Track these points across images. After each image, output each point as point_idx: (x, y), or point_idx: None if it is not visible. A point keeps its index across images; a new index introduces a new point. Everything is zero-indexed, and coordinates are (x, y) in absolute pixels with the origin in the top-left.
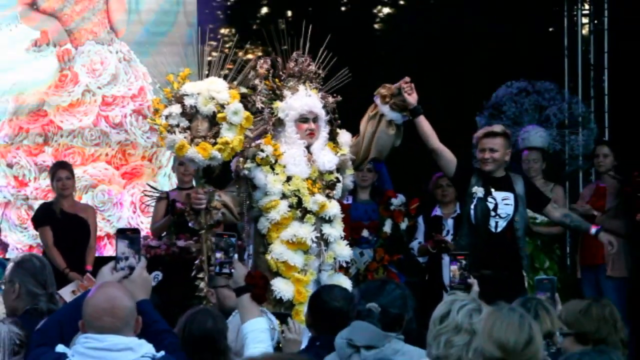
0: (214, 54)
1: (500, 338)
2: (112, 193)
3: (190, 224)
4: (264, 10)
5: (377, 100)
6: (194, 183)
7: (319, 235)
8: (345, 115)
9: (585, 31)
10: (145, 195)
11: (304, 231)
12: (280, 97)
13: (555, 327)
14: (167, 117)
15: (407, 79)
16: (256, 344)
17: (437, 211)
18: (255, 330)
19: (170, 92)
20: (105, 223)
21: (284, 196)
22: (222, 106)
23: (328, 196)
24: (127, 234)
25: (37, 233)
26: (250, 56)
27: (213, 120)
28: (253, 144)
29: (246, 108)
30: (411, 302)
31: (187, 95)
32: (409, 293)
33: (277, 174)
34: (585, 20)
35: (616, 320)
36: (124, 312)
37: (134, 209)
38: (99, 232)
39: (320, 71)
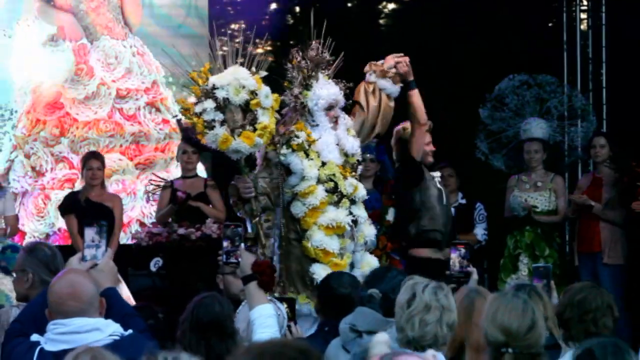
0: (224, 48)
1: (503, 323)
2: (126, 183)
3: (238, 214)
4: (273, 5)
5: (372, 77)
6: (197, 172)
7: (353, 218)
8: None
9: (583, 26)
10: (151, 184)
11: (342, 215)
12: (309, 87)
13: (549, 313)
14: (201, 114)
15: (400, 54)
16: (263, 329)
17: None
18: (263, 316)
19: (198, 89)
20: None
21: (319, 181)
22: (253, 92)
23: (356, 179)
24: (95, 224)
25: (53, 222)
26: (259, 50)
27: (245, 108)
28: (283, 131)
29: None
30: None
31: (217, 88)
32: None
33: (311, 159)
34: (583, 15)
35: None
36: (87, 294)
37: (147, 199)
38: None
39: (332, 59)
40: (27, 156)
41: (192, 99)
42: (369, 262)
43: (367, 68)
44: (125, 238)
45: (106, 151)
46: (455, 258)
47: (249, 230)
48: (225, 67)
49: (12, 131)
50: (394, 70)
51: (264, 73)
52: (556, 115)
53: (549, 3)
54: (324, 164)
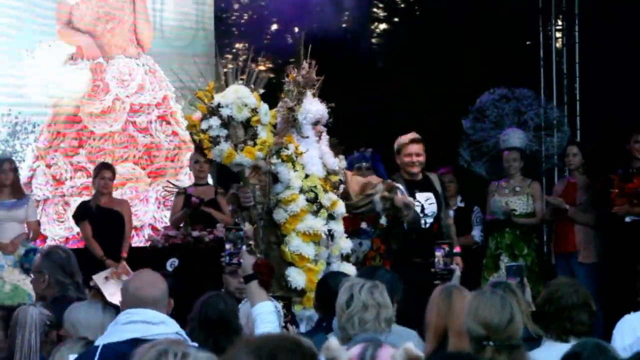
0: (229, 65)
1: (485, 318)
2: (139, 190)
3: (236, 220)
4: (274, 27)
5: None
6: (209, 180)
7: (329, 229)
8: (351, 120)
9: (558, 44)
10: (166, 190)
11: (319, 224)
12: (300, 102)
13: (523, 308)
14: (207, 130)
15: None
16: (265, 324)
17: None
18: (263, 313)
19: (204, 107)
20: (133, 217)
21: (301, 191)
22: (254, 110)
23: (336, 195)
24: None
25: (72, 226)
26: (262, 67)
27: (246, 125)
28: (277, 142)
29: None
30: (400, 286)
31: (222, 106)
32: (397, 278)
33: (296, 170)
34: (558, 35)
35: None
36: (162, 287)
37: (159, 205)
38: None
39: (319, 78)
40: (48, 166)
41: (196, 115)
42: (348, 270)
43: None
44: (138, 241)
45: (121, 161)
46: (439, 256)
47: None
48: (227, 85)
49: (34, 143)
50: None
51: (261, 90)
52: (533, 126)
53: (527, 23)
54: (307, 175)
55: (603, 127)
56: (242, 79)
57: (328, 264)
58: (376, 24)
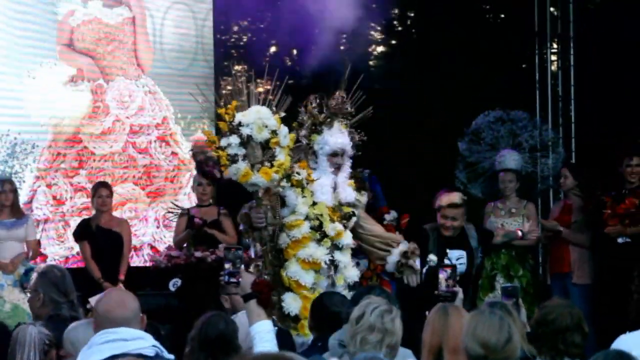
0: (228, 87)
1: (483, 337)
2: (138, 210)
3: (247, 240)
4: (273, 49)
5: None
6: (211, 201)
7: (331, 259)
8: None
9: (554, 67)
10: (169, 212)
11: (320, 253)
12: (319, 132)
13: (518, 328)
14: (225, 148)
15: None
16: (263, 343)
17: None
18: (262, 331)
19: (225, 124)
20: (132, 237)
21: (306, 218)
22: (274, 132)
23: (344, 226)
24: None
25: (72, 246)
26: (260, 89)
27: (265, 145)
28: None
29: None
30: (395, 305)
31: (242, 125)
32: (393, 298)
33: (304, 196)
34: (553, 57)
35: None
36: (133, 305)
37: (158, 224)
38: None
39: (352, 110)
40: (49, 186)
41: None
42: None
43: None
44: (138, 261)
45: (120, 182)
46: (442, 279)
47: (253, 255)
48: (249, 105)
49: (34, 164)
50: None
51: (283, 113)
52: (528, 148)
53: (523, 47)
54: (315, 203)
55: (598, 149)
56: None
57: None
58: (373, 46)
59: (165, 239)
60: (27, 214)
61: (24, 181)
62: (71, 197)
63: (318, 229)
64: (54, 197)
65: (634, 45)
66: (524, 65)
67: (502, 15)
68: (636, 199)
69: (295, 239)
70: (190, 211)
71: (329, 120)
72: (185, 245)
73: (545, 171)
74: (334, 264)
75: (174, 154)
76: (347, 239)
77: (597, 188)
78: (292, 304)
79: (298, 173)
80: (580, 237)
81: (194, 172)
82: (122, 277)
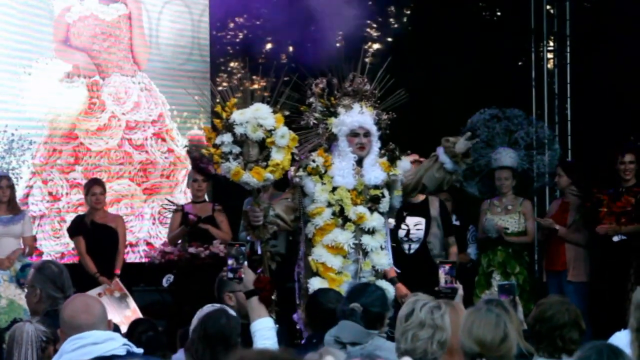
0: (224, 84)
1: (479, 335)
2: (134, 206)
3: (248, 238)
4: (269, 45)
5: (440, 149)
6: (206, 198)
7: (357, 242)
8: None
9: (550, 65)
10: (164, 208)
11: (343, 237)
12: (335, 114)
13: (515, 326)
14: (219, 146)
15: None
16: (264, 340)
17: None
18: (264, 329)
19: (220, 122)
20: (128, 233)
21: (329, 204)
22: (270, 131)
23: (370, 209)
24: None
25: (68, 242)
26: (256, 86)
27: (262, 144)
28: (307, 155)
29: (298, 126)
30: (390, 303)
31: (236, 124)
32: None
33: (324, 183)
34: (550, 55)
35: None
36: (98, 310)
37: (153, 221)
38: None
39: (375, 91)
40: (45, 182)
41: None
42: (383, 287)
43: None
44: (133, 257)
45: (116, 178)
46: (442, 275)
47: (259, 252)
48: (251, 102)
49: (30, 160)
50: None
51: (286, 112)
52: (524, 145)
53: (519, 44)
54: (334, 188)
55: (594, 147)
56: (237, 97)
57: (360, 279)
58: (370, 43)
59: (161, 235)
60: (24, 210)
61: (20, 177)
62: (67, 193)
63: (340, 214)
64: (50, 193)
65: (630, 44)
66: (520, 63)
67: (499, 13)
68: (632, 197)
69: (319, 227)
70: (185, 207)
71: (346, 102)
72: (179, 241)
73: (541, 168)
74: (362, 248)
75: (169, 150)
76: (374, 221)
77: (593, 186)
78: (317, 286)
79: (313, 161)
80: (576, 235)
81: (190, 169)
82: (117, 271)
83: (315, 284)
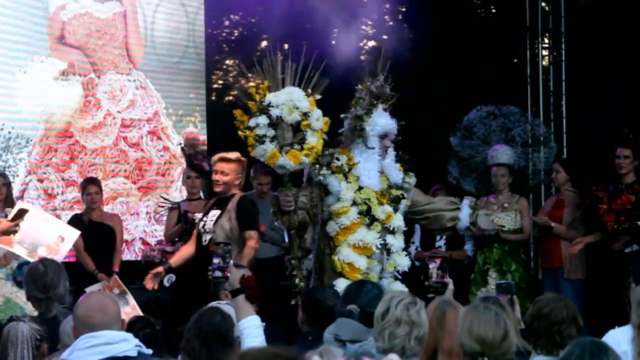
0: (220, 81)
1: (479, 334)
2: (129, 204)
3: (276, 224)
4: (264, 43)
5: (466, 203)
6: (201, 195)
7: (383, 243)
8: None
9: (545, 62)
10: (159, 206)
11: (371, 237)
12: (370, 113)
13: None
14: (254, 128)
15: None
16: (252, 339)
17: None
18: (251, 327)
19: (254, 104)
20: (124, 231)
21: (354, 203)
22: (305, 114)
23: (394, 209)
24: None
25: None
26: (252, 84)
27: (296, 128)
28: (327, 152)
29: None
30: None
31: (272, 106)
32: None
33: (349, 182)
34: (545, 52)
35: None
36: (113, 310)
37: (149, 219)
38: None
39: (393, 93)
40: (40, 180)
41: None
42: (398, 289)
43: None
44: (129, 255)
45: (112, 176)
46: (433, 269)
47: (285, 240)
48: (283, 85)
49: (27, 158)
50: None
51: (318, 96)
52: (520, 143)
53: (515, 41)
54: (360, 187)
55: (589, 144)
56: (232, 95)
57: (380, 279)
58: (365, 41)
59: (157, 233)
60: None
61: (17, 175)
62: (62, 192)
63: (367, 213)
64: (46, 191)
65: (625, 40)
66: (515, 60)
67: (494, 10)
68: (632, 195)
69: (344, 226)
70: (181, 205)
71: (375, 102)
72: (177, 239)
73: (538, 166)
74: (386, 248)
75: (165, 148)
76: (398, 221)
77: (591, 183)
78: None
79: (337, 159)
80: (571, 233)
81: (185, 166)
82: (116, 268)
83: (341, 285)
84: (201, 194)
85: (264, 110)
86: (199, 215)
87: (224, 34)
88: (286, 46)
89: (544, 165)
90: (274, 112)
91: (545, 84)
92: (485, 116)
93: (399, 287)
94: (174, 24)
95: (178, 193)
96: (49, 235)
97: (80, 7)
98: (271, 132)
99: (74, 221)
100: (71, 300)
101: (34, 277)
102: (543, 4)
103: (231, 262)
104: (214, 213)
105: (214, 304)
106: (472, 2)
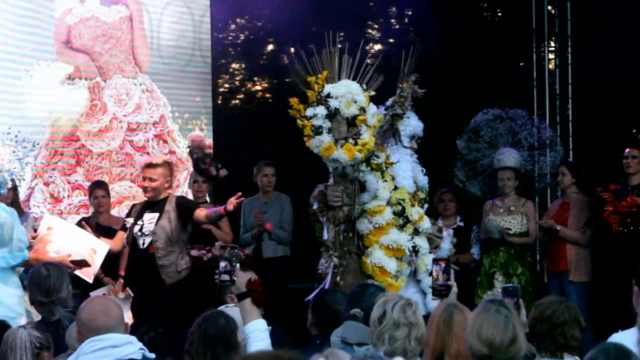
0: (226, 85)
1: (488, 337)
2: None
3: (321, 219)
4: (270, 47)
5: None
6: (207, 199)
7: (414, 245)
8: None
9: (551, 65)
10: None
11: (404, 239)
12: (406, 111)
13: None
14: (311, 118)
15: None
16: (258, 342)
17: (440, 222)
18: (257, 330)
19: (313, 94)
20: None
21: (388, 203)
22: (362, 109)
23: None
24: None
25: None
26: (258, 87)
27: (350, 122)
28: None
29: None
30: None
31: (331, 97)
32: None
33: (385, 181)
34: (551, 56)
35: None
36: (116, 313)
37: None
38: None
39: (421, 94)
40: (46, 184)
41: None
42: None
43: None
44: None
45: (118, 179)
46: (437, 272)
47: (326, 237)
48: (339, 77)
49: (33, 162)
50: None
51: (373, 92)
52: (527, 146)
53: (521, 44)
54: (396, 187)
55: (595, 147)
56: (239, 99)
57: (418, 281)
58: (371, 44)
59: None
60: (27, 212)
61: (23, 179)
62: (68, 195)
63: (400, 214)
64: (52, 195)
65: (632, 44)
66: (521, 64)
67: (500, 14)
68: (638, 198)
69: (378, 225)
70: None
71: (411, 102)
72: None
73: (544, 169)
74: (415, 250)
75: (171, 152)
76: (427, 222)
77: (596, 185)
78: None
79: (377, 156)
80: (576, 236)
81: (192, 170)
82: (122, 272)
83: None
84: (207, 198)
85: (322, 100)
86: (130, 220)
87: (230, 38)
88: (292, 50)
89: (550, 168)
90: (333, 103)
91: (551, 87)
92: (491, 119)
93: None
94: (180, 28)
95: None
96: (82, 247)
97: (86, 11)
98: (327, 124)
99: (81, 224)
100: (75, 304)
101: (37, 280)
102: (549, 7)
103: (238, 265)
104: (152, 216)
105: (220, 307)
106: (478, 5)
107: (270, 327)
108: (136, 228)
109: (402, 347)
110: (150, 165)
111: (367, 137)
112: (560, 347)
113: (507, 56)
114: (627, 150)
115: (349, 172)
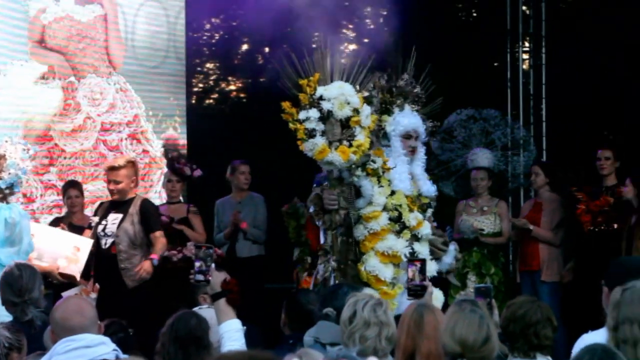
0: (200, 85)
1: (461, 335)
2: None
3: (317, 223)
4: (245, 47)
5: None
6: (180, 199)
7: (411, 251)
8: None
9: (525, 66)
10: None
11: (400, 245)
12: (390, 112)
13: None
14: (304, 121)
15: None
16: (232, 342)
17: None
18: (231, 330)
19: (305, 97)
20: None
21: (384, 208)
22: (356, 110)
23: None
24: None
25: None
26: (232, 87)
27: (345, 124)
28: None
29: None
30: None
31: (323, 99)
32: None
33: (382, 186)
34: (525, 56)
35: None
36: (90, 312)
37: None
38: None
39: (422, 93)
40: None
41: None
42: (436, 296)
43: None
44: None
45: (91, 179)
46: (413, 272)
47: (322, 241)
48: (331, 79)
49: None
50: None
51: (366, 93)
52: (500, 146)
53: (495, 45)
54: (393, 192)
55: (569, 147)
56: (213, 99)
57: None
58: (346, 44)
59: None
60: None
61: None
62: (41, 195)
63: (397, 220)
64: (24, 195)
65: (605, 44)
66: (495, 64)
67: (475, 14)
68: (611, 198)
69: (373, 232)
70: (160, 209)
71: (398, 101)
72: None
73: (517, 169)
74: (414, 257)
75: (145, 151)
76: (427, 228)
77: (571, 185)
78: None
79: (373, 161)
80: (549, 235)
81: (165, 170)
82: (93, 273)
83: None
84: (181, 198)
85: (315, 103)
86: (95, 219)
87: (205, 38)
88: (266, 49)
89: (524, 168)
90: (325, 105)
91: (525, 88)
92: (465, 119)
93: (437, 293)
94: (154, 27)
95: (157, 196)
96: (64, 247)
97: (60, 10)
98: (321, 127)
99: (55, 224)
100: (47, 304)
101: (9, 281)
102: (524, 7)
103: (213, 265)
104: (115, 217)
105: (194, 309)
106: (453, 5)
107: (244, 327)
108: (100, 227)
109: (373, 347)
110: (113, 168)
111: (362, 138)
112: (532, 346)
113: (481, 56)
114: (599, 151)
115: (345, 176)
